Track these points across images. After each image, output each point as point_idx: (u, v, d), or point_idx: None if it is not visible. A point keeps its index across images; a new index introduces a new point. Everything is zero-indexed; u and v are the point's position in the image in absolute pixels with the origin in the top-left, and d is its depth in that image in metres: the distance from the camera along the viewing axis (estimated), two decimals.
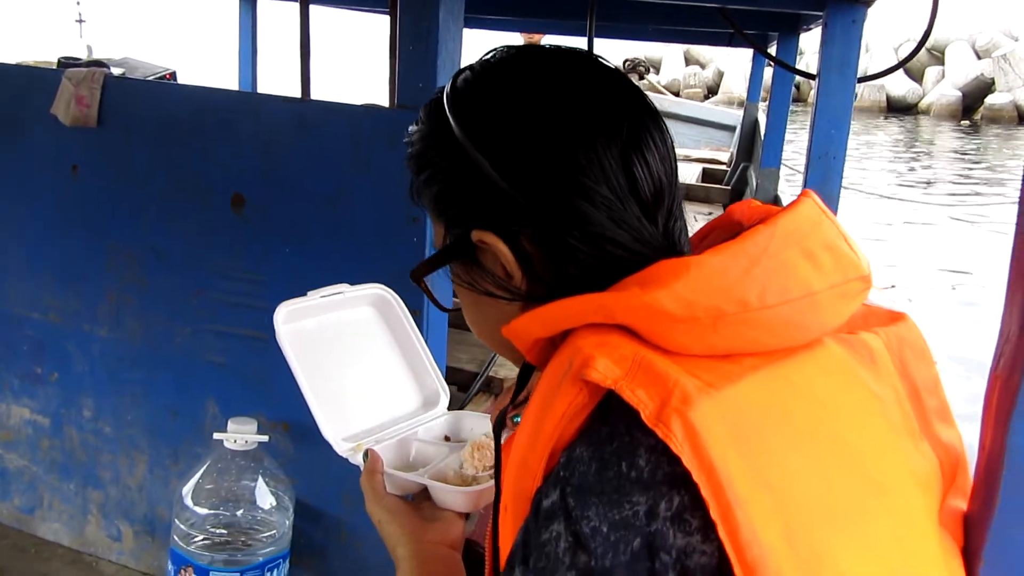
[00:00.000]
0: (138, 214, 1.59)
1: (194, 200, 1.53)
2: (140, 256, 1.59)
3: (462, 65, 0.73)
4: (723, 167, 4.84)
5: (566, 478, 0.56)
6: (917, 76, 23.47)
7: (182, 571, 1.27)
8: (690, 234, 0.73)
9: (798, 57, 3.13)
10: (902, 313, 0.69)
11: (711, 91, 23.96)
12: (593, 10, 1.85)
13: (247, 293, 1.48)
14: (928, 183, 12.06)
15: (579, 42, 3.34)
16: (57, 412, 1.73)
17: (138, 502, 1.65)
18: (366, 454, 0.92)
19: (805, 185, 2.05)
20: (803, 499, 0.54)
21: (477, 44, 0.73)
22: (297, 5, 1.87)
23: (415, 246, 1.36)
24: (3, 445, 1.81)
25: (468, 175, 0.65)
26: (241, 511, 1.29)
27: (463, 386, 1.95)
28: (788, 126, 3.61)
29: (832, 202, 1.99)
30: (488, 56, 0.70)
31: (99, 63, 4.72)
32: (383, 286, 1.10)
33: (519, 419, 0.63)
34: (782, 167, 3.96)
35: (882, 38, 21.93)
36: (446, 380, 1.15)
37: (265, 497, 1.32)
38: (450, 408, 1.10)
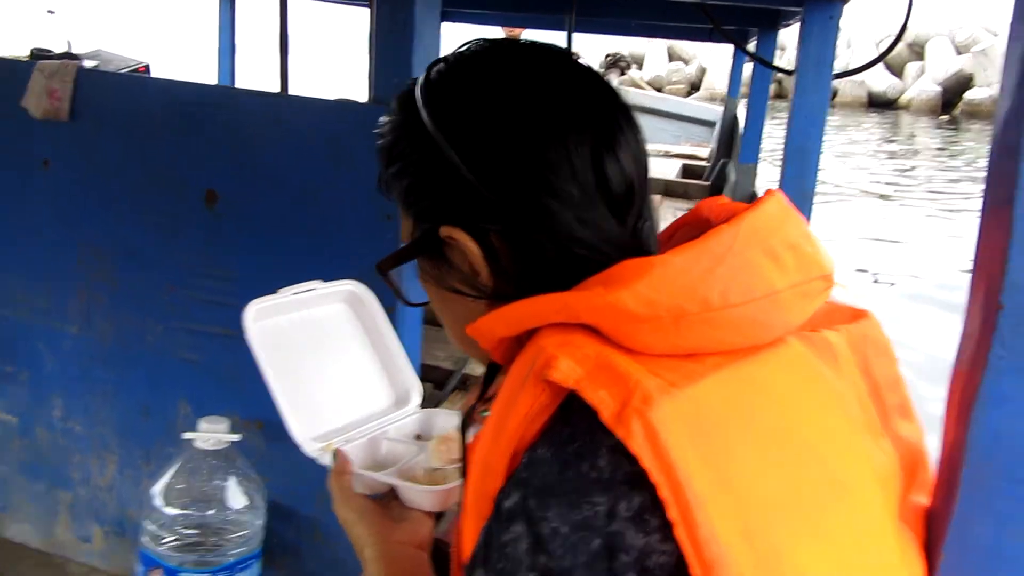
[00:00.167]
0: (110, 209, 1.57)
1: (167, 196, 1.52)
2: (111, 252, 1.58)
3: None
4: (703, 163, 4.86)
5: (527, 479, 0.55)
6: (898, 71, 23.64)
7: (151, 572, 1.26)
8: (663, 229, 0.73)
9: (781, 53, 3.15)
10: (865, 311, 0.70)
11: (694, 87, 24.03)
12: (573, 5, 1.84)
13: (220, 290, 1.47)
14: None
15: (559, 37, 3.34)
16: (26, 411, 1.71)
17: (108, 503, 1.63)
18: (335, 454, 0.91)
19: (782, 180, 2.06)
20: (762, 498, 0.54)
21: (457, 38, 0.72)
22: None
23: (390, 243, 1.35)
24: None
25: (438, 169, 0.64)
26: (212, 511, 1.28)
27: (439, 383, 1.94)
28: (773, 122, 3.62)
29: (808, 198, 2.00)
30: (463, 49, 0.69)
31: (71, 55, 4.67)
32: (357, 283, 1.09)
33: (487, 414, 0.63)
34: (765, 163, 3.97)
35: (864, 33, 22.05)
36: (422, 378, 1.14)
37: (237, 497, 1.30)
38: (425, 406, 1.10)
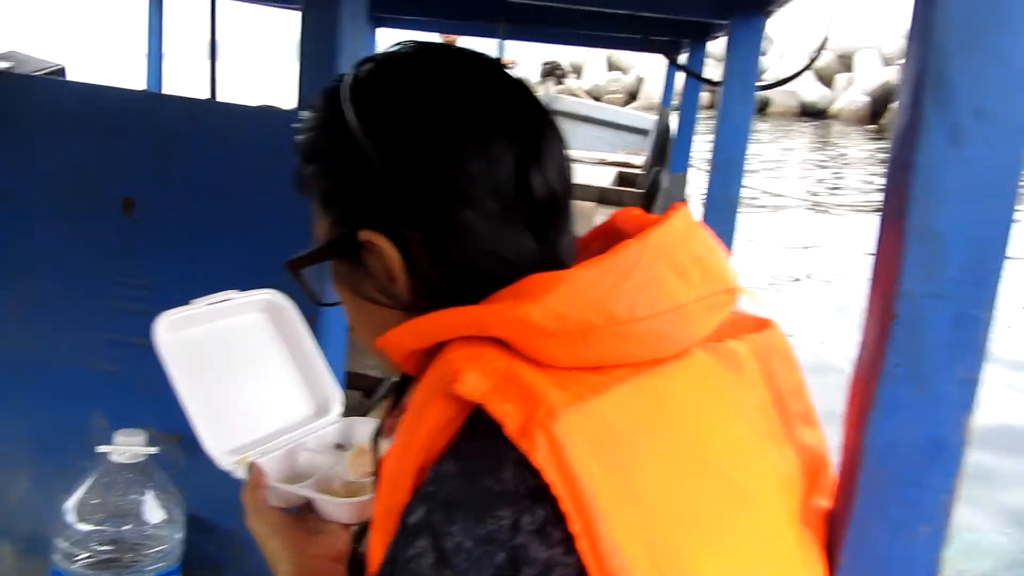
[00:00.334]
0: (23, 216, 1.52)
1: (83, 202, 1.47)
2: (25, 260, 1.52)
3: None
4: (638, 171, 4.92)
5: (432, 493, 0.56)
6: (828, 82, 24.30)
7: None
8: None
9: (719, 63, 3.21)
10: (769, 320, 0.71)
11: (632, 96, 24.34)
12: (504, 14, 1.85)
13: (138, 299, 1.43)
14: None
15: (495, 45, 3.34)
16: None
17: (20, 520, 1.57)
18: (250, 467, 0.90)
19: (709, 189, 2.09)
20: (665, 509, 0.55)
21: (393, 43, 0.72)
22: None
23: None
24: None
25: (361, 170, 0.63)
26: (128, 527, 1.24)
27: (368, 392, 1.92)
28: (708, 131, 3.68)
29: (733, 206, 2.04)
30: (393, 49, 0.68)
31: None
32: (275, 292, 1.08)
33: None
34: (697, 171, 4.04)
35: (796, 45, 22.60)
36: (350, 386, 1.13)
37: (154, 511, 1.27)
38: (353, 414, 1.09)
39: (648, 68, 24.12)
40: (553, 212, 0.66)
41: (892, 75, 22.82)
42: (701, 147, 3.76)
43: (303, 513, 0.89)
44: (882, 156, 16.41)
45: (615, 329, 0.57)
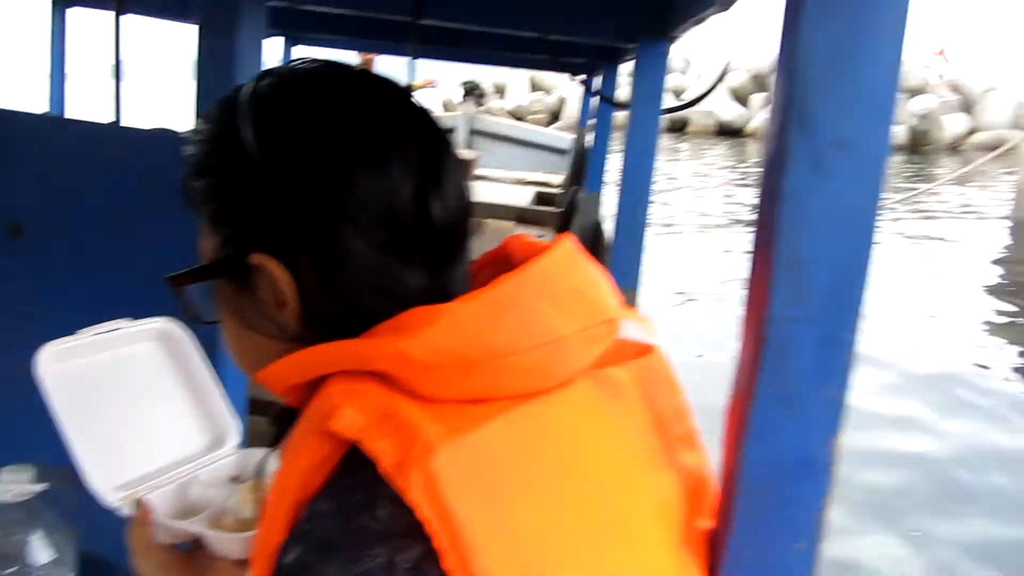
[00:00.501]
0: None
1: None
2: None
3: None
4: (556, 190, 4.97)
5: (308, 532, 0.55)
6: (744, 101, 25.04)
7: None
8: None
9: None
10: (651, 346, 0.72)
11: (555, 116, 24.67)
12: (414, 35, 1.85)
13: (26, 329, 1.37)
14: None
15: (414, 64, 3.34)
16: None
17: None
18: (136, 503, 0.87)
19: (618, 210, 2.13)
20: (543, 542, 0.55)
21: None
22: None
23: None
24: None
25: (254, 189, 0.61)
26: (13, 569, 1.19)
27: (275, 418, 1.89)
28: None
29: (641, 227, 2.08)
30: (294, 65, 0.67)
31: None
32: (168, 320, 1.05)
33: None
34: (612, 191, 4.11)
35: (712, 66, 23.24)
36: (255, 413, 1.11)
37: (41, 552, 1.21)
38: (261, 443, 1.06)
39: (570, 89, 24.46)
40: (451, 241, 0.65)
41: None
42: (616, 166, 3.85)
43: (194, 550, 0.86)
44: None
45: (495, 363, 0.57)
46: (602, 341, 0.65)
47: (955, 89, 24.75)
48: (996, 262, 9.11)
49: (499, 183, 5.34)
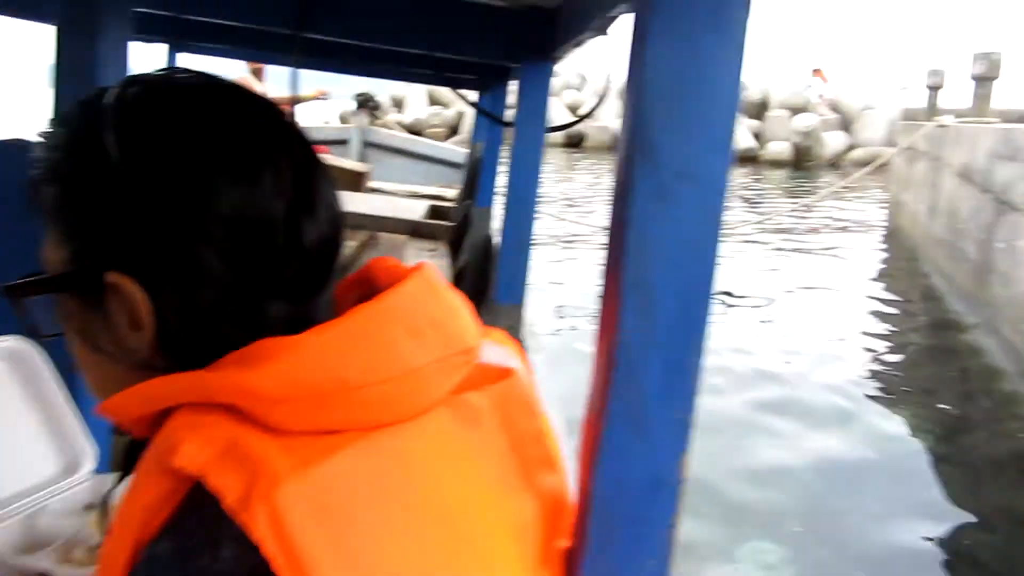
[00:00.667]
0: None
1: None
2: None
3: None
4: (450, 204, 4.97)
5: None
6: None
7: None
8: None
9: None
10: (510, 369, 0.73)
11: (454, 130, 24.70)
12: (297, 47, 1.82)
13: None
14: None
15: (303, 74, 3.28)
16: None
17: None
18: None
19: (504, 226, 2.14)
20: (394, 572, 0.54)
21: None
22: None
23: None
24: None
25: (116, 202, 0.58)
26: None
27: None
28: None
29: (526, 243, 2.10)
30: (164, 74, 0.64)
31: None
32: (19, 338, 1.00)
33: None
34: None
35: (614, 82, 23.71)
36: (120, 433, 1.06)
37: None
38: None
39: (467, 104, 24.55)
40: (321, 268, 0.64)
41: None
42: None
43: None
44: None
45: (348, 395, 0.56)
46: (459, 371, 0.65)
47: (835, 108, 26.06)
48: (873, 271, 9.62)
49: (393, 196, 5.30)
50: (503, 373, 0.72)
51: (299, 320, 0.62)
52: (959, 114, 9.76)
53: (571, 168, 19.93)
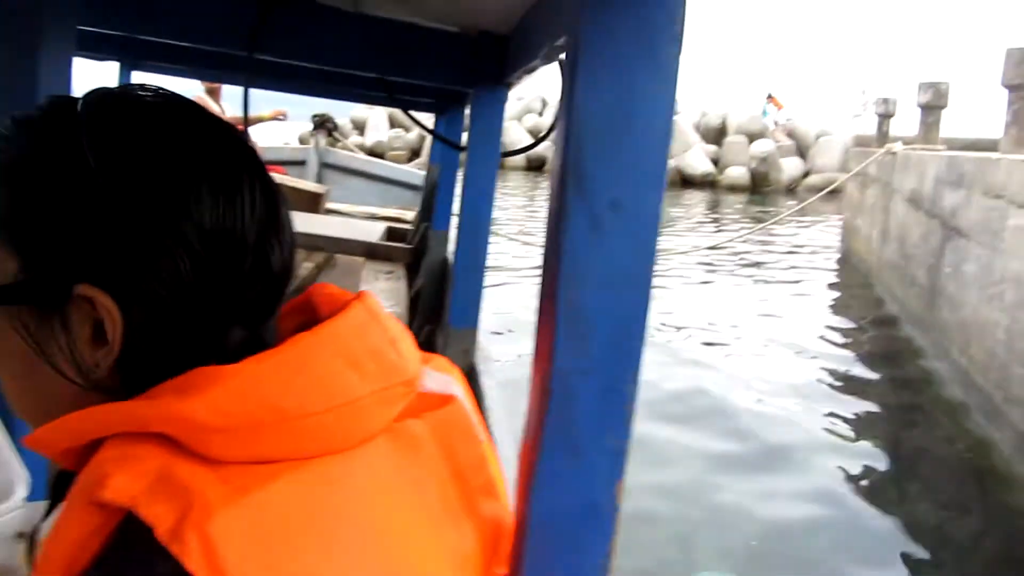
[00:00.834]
0: None
1: None
2: None
3: None
4: (408, 226, 4.97)
5: None
6: None
7: None
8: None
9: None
10: (451, 396, 0.73)
11: (416, 153, 24.77)
12: (250, 69, 1.82)
13: None
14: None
15: (256, 93, 3.27)
16: None
17: None
18: None
19: (458, 248, 2.15)
20: None
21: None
22: None
23: None
24: None
25: (97, 212, 0.56)
26: None
27: None
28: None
29: (480, 267, 2.11)
30: (131, 89, 0.62)
31: None
32: None
33: None
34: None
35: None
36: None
37: None
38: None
39: (429, 126, 24.64)
40: (280, 293, 0.64)
41: None
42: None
43: None
44: None
45: (286, 425, 0.56)
46: (399, 402, 0.65)
47: (791, 134, 26.60)
48: (828, 297, 9.77)
49: (350, 218, 5.29)
50: (444, 400, 0.72)
51: (255, 344, 0.61)
52: (908, 141, 10.01)
53: (534, 190, 20.03)
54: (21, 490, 0.97)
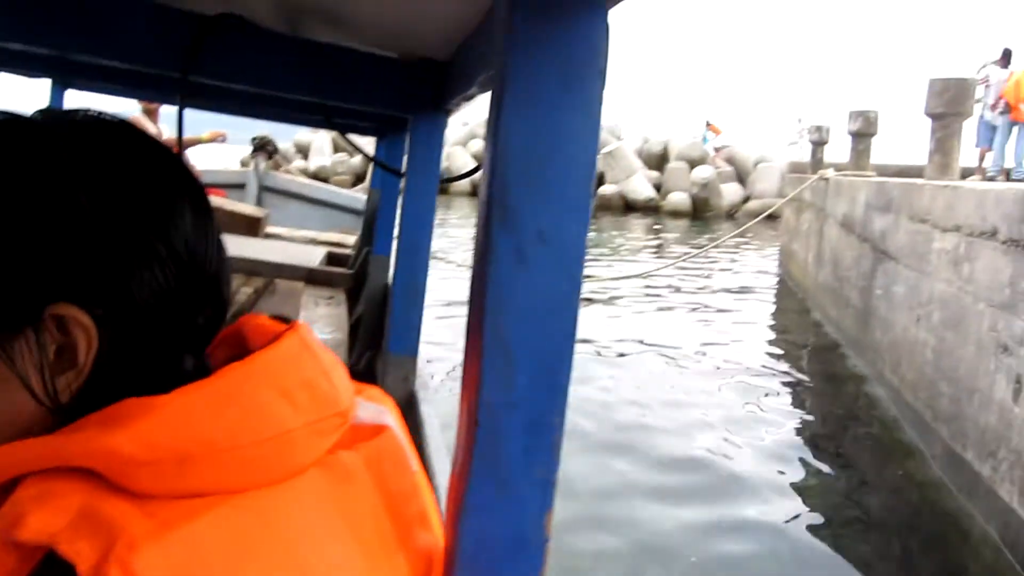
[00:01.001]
0: None
1: None
2: None
3: None
4: (349, 250, 4.93)
5: None
6: None
7: None
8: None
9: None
10: (384, 426, 0.72)
11: (360, 178, 24.67)
12: (184, 91, 1.79)
13: None
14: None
15: (195, 115, 3.22)
16: None
17: None
18: None
19: (396, 274, 2.14)
20: None
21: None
22: None
23: None
24: None
25: (76, 232, 0.56)
26: None
27: None
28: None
29: (420, 293, 2.09)
30: (95, 115, 0.62)
31: None
32: None
33: None
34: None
35: None
36: None
37: None
38: None
39: (372, 150, 24.66)
40: (222, 316, 0.63)
41: (598, 164, 25.09)
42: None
43: None
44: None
45: (215, 457, 0.55)
46: (332, 434, 0.64)
47: (730, 160, 27.17)
48: (766, 319, 9.96)
49: (290, 242, 5.23)
50: (376, 431, 0.72)
51: (203, 373, 0.60)
52: (840, 168, 10.32)
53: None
54: None
